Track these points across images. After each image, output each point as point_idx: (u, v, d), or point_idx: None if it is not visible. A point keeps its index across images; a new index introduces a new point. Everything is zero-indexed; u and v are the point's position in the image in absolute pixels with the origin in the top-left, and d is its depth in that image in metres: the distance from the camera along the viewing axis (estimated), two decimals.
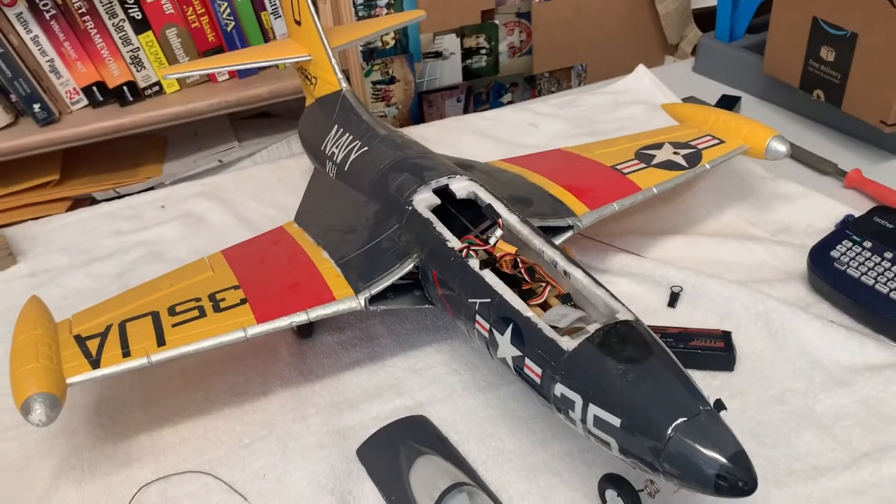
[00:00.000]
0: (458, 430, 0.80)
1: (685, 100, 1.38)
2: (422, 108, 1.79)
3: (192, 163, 1.62)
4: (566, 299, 0.74)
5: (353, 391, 0.86)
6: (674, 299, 0.93)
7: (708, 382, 0.82)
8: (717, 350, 0.84)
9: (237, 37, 1.54)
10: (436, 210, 0.84)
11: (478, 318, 0.73)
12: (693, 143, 1.03)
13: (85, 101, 1.52)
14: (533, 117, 1.40)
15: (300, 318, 0.79)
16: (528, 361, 0.67)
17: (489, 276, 0.73)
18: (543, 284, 0.74)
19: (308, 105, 1.19)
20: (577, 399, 0.62)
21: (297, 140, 1.62)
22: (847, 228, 0.95)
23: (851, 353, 0.83)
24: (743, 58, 1.41)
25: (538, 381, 0.67)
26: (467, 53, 1.75)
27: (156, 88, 1.55)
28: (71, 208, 1.49)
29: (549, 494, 0.73)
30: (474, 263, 0.75)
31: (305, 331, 0.93)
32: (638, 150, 1.02)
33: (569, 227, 0.89)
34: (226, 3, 1.50)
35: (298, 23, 1.17)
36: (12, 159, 1.46)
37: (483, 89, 1.82)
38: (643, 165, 0.99)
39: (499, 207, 0.83)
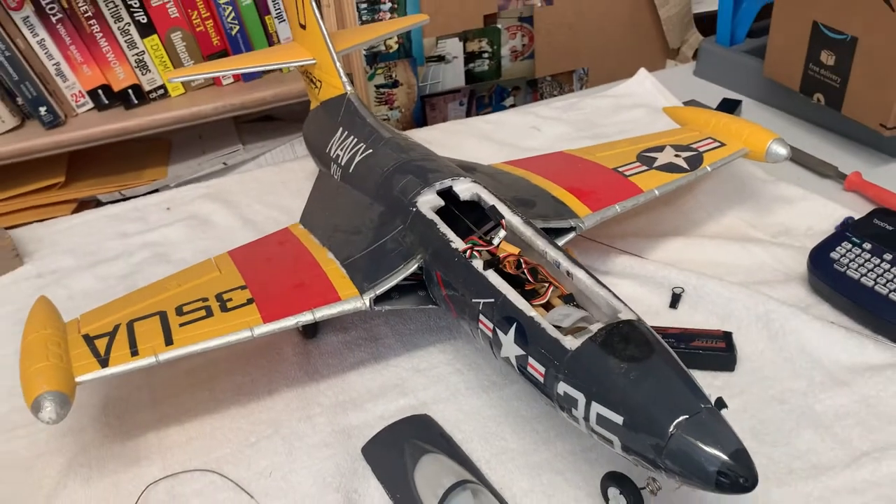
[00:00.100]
0: (462, 429, 0.81)
1: (686, 103, 1.39)
2: (424, 111, 1.80)
3: (196, 165, 1.63)
4: (569, 299, 0.75)
5: (357, 391, 0.87)
6: (675, 300, 0.94)
7: (709, 382, 0.82)
8: (718, 350, 0.85)
9: (241, 40, 1.55)
10: (439, 212, 0.85)
11: (481, 317, 0.74)
12: (694, 145, 1.04)
13: (90, 105, 1.53)
14: (535, 120, 1.41)
15: (306, 317, 0.80)
16: (531, 360, 0.68)
17: (493, 276, 0.74)
18: (546, 285, 0.75)
19: (313, 108, 1.20)
20: (581, 397, 0.63)
21: (300, 143, 1.63)
22: (847, 230, 0.95)
23: (851, 354, 0.84)
24: (743, 62, 1.42)
25: (541, 379, 0.67)
26: (470, 57, 1.76)
27: (160, 92, 1.56)
28: (76, 210, 1.50)
29: (552, 493, 0.73)
30: (478, 264, 0.76)
31: (310, 331, 0.93)
32: (639, 153, 1.03)
33: (571, 229, 0.90)
34: (230, 8, 1.51)
35: (303, 26, 1.18)
36: (18, 162, 1.47)
37: (485, 93, 1.83)
38: (645, 168, 1.00)
39: (502, 209, 0.84)
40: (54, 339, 0.76)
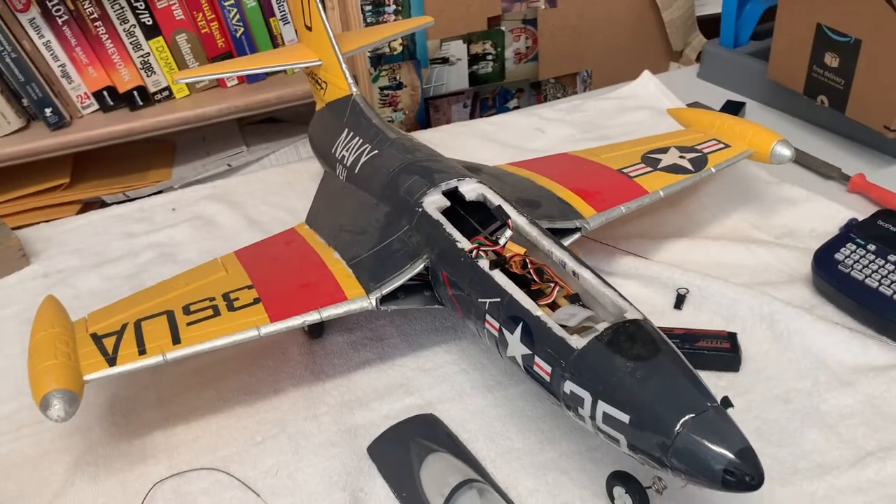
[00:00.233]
0: (468, 428, 0.81)
1: (690, 105, 1.39)
2: (428, 113, 1.80)
3: (201, 167, 1.63)
4: (575, 299, 0.75)
5: (363, 390, 0.87)
6: (680, 301, 0.94)
7: (714, 383, 0.83)
8: (722, 351, 0.85)
9: (246, 42, 1.55)
10: (445, 212, 0.86)
11: (488, 317, 0.74)
12: (699, 147, 1.04)
13: (96, 106, 1.53)
14: (539, 122, 1.42)
15: (313, 317, 0.80)
16: (537, 360, 0.68)
17: (499, 276, 0.74)
18: (552, 285, 0.75)
19: (318, 109, 1.21)
20: (587, 396, 0.64)
21: (304, 145, 1.64)
22: (851, 232, 0.96)
23: (855, 354, 0.84)
24: (747, 64, 1.43)
25: (548, 378, 0.68)
26: (474, 59, 1.77)
27: (165, 93, 1.57)
28: (81, 211, 1.51)
29: (557, 492, 0.74)
30: (484, 264, 0.76)
31: (316, 331, 0.94)
32: (644, 154, 1.04)
33: (576, 230, 0.91)
34: (235, 9, 1.52)
35: (309, 28, 1.18)
36: (23, 163, 1.47)
37: (489, 95, 1.83)
38: (649, 169, 1.00)
39: (508, 209, 0.84)
40: (62, 337, 0.77)
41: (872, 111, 1.14)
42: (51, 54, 1.46)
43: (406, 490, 0.74)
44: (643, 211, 1.00)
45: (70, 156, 1.54)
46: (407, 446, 0.77)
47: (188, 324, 0.79)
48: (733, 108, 1.36)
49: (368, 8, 1.62)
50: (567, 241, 0.89)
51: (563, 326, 0.68)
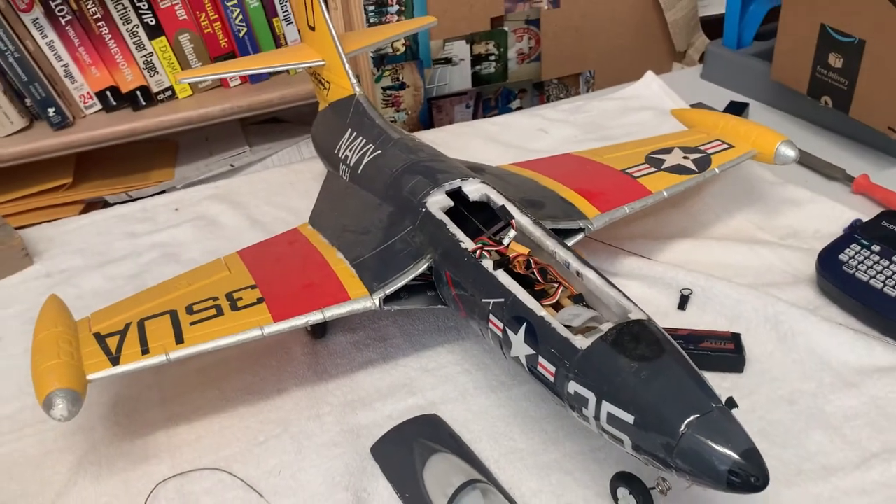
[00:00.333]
0: (471, 429, 0.81)
1: (693, 106, 1.39)
2: (431, 113, 1.80)
3: (203, 167, 1.63)
4: (578, 300, 0.75)
5: (366, 390, 0.87)
6: (684, 302, 0.94)
7: (718, 384, 0.81)
8: (726, 352, 0.85)
9: (249, 43, 1.55)
10: (449, 212, 0.86)
11: (491, 317, 0.74)
12: (702, 147, 1.04)
13: (98, 106, 1.53)
14: (542, 122, 1.42)
15: (316, 317, 0.80)
16: (541, 360, 0.68)
17: (503, 276, 0.74)
18: (556, 285, 0.75)
19: (321, 109, 1.21)
20: (591, 397, 0.63)
21: (307, 145, 1.64)
22: (855, 233, 0.96)
23: (860, 355, 0.84)
24: (751, 64, 1.42)
25: (552, 379, 0.68)
26: (476, 60, 1.77)
27: (168, 93, 1.57)
28: (83, 211, 1.51)
29: (561, 492, 0.73)
30: (488, 264, 0.76)
31: (319, 331, 0.94)
32: (648, 155, 1.04)
33: (580, 230, 0.90)
34: (238, 10, 1.52)
35: (312, 28, 1.18)
36: (26, 163, 1.47)
37: (492, 95, 1.83)
38: (653, 169, 1.00)
39: (511, 209, 0.84)
40: (65, 337, 0.77)
41: (876, 112, 1.14)
42: (54, 54, 1.46)
43: (409, 490, 0.73)
44: (647, 211, 1.00)
45: (73, 156, 1.54)
46: (410, 447, 0.77)
47: (191, 323, 0.79)
48: (737, 109, 1.36)
49: (371, 8, 1.62)
50: (570, 242, 0.89)
51: (568, 327, 0.68)
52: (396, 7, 1.63)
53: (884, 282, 0.88)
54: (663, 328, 0.67)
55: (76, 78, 1.49)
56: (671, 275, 0.96)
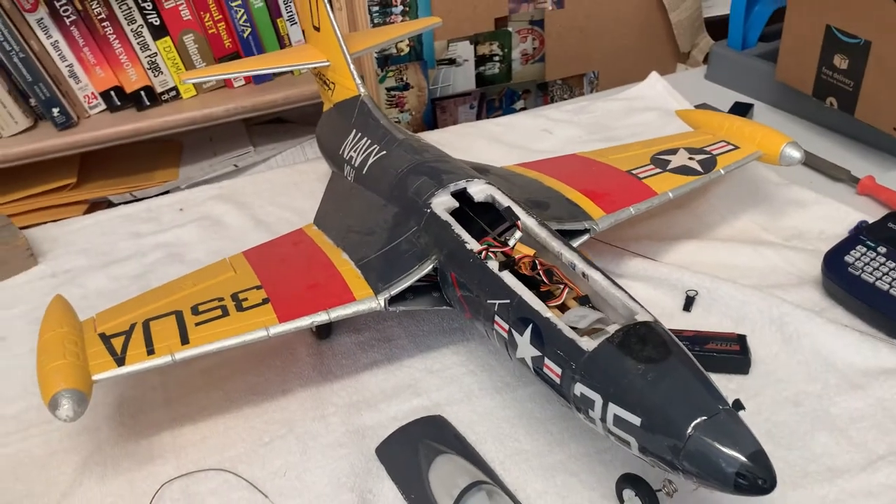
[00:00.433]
0: (476, 430, 0.81)
1: (698, 107, 1.38)
2: (435, 114, 1.80)
3: (207, 167, 1.64)
4: (584, 301, 0.75)
5: (371, 391, 0.87)
6: (689, 303, 0.93)
7: (723, 385, 0.81)
8: (732, 353, 0.84)
9: (253, 43, 1.56)
10: (454, 213, 0.85)
11: (497, 318, 0.74)
12: (708, 148, 1.04)
13: (103, 106, 1.54)
14: (546, 123, 1.41)
15: (321, 317, 0.80)
16: (547, 361, 0.68)
17: (508, 277, 0.74)
18: (561, 286, 0.75)
19: (326, 110, 1.21)
20: (597, 399, 0.63)
21: (311, 146, 1.64)
22: (861, 234, 0.95)
23: (865, 357, 0.84)
24: (755, 65, 1.42)
25: (558, 381, 0.67)
26: (480, 60, 1.77)
27: (172, 93, 1.57)
28: (88, 211, 1.51)
29: (566, 494, 0.73)
30: (493, 265, 0.76)
31: (324, 332, 0.94)
32: (653, 156, 1.03)
33: (585, 231, 0.90)
34: (242, 10, 1.52)
35: (317, 28, 1.18)
36: (31, 162, 1.48)
37: (496, 96, 1.83)
38: (659, 170, 1.00)
39: (517, 210, 0.84)
40: (71, 337, 0.77)
41: (882, 113, 1.14)
42: (58, 54, 1.46)
43: (415, 492, 0.73)
44: (651, 212, 1.00)
45: (77, 156, 1.54)
46: (415, 448, 0.77)
47: (197, 324, 0.79)
48: (741, 110, 1.36)
49: (376, 9, 1.61)
50: (575, 243, 0.88)
51: (574, 328, 0.68)
52: (401, 7, 1.63)
53: (890, 283, 0.88)
54: (669, 329, 0.67)
55: (80, 78, 1.49)
56: (676, 276, 0.96)
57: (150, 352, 0.76)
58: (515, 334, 0.72)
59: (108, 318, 0.82)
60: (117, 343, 0.77)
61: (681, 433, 0.58)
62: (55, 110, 1.48)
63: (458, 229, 0.82)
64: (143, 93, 1.54)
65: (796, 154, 1.00)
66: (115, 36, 1.48)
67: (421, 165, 0.93)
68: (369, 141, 1.03)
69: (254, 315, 0.80)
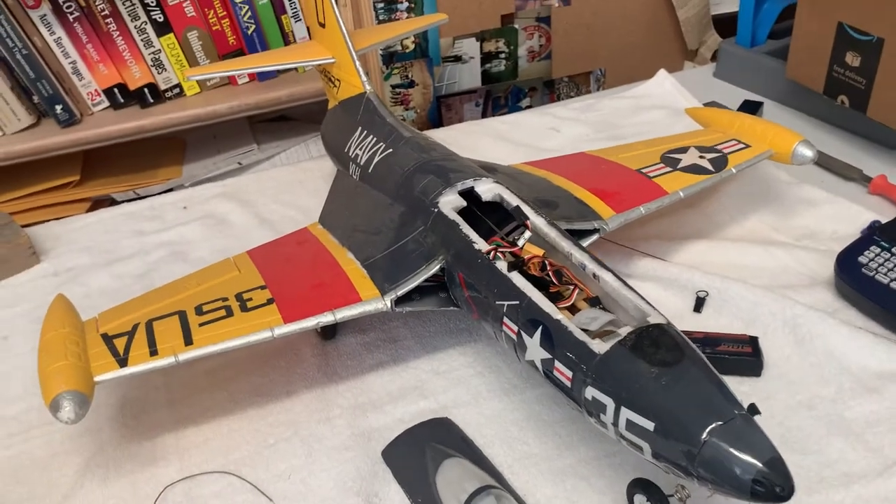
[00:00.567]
0: (483, 433, 0.80)
1: (706, 105, 1.37)
2: (440, 112, 1.79)
3: (211, 165, 1.62)
4: (595, 302, 0.73)
5: (376, 393, 0.86)
6: (699, 304, 0.92)
7: (735, 388, 0.78)
8: (744, 355, 0.83)
9: (258, 40, 1.54)
10: (461, 212, 0.84)
11: (505, 320, 0.73)
12: (719, 147, 1.02)
13: (106, 103, 1.53)
14: (553, 121, 1.40)
15: (327, 318, 0.78)
16: (557, 364, 0.67)
17: (517, 278, 0.73)
18: (571, 287, 0.74)
19: (331, 107, 1.20)
20: (609, 402, 0.62)
21: (315, 143, 1.63)
22: (875, 234, 0.94)
23: (880, 360, 0.82)
24: (765, 63, 1.41)
25: (568, 384, 0.66)
26: (486, 58, 1.75)
27: (176, 91, 1.56)
28: (90, 209, 1.50)
29: (576, 498, 0.72)
30: (502, 265, 0.75)
31: (329, 332, 0.92)
32: (663, 154, 1.02)
33: (594, 231, 0.89)
34: (247, 7, 1.51)
35: (322, 25, 1.17)
36: (34, 160, 1.47)
37: (502, 94, 1.82)
38: (669, 169, 0.98)
39: (526, 210, 0.82)
40: (72, 337, 0.76)
41: (895, 111, 1.12)
42: (62, 51, 1.45)
43: (422, 496, 0.72)
44: (661, 212, 0.98)
45: (80, 153, 1.53)
46: (422, 451, 0.76)
47: (201, 324, 0.78)
48: (751, 108, 1.34)
49: (381, 5, 1.60)
50: (585, 243, 0.87)
51: (585, 330, 0.66)
52: (406, 4, 1.62)
53: None
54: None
55: (84, 75, 1.48)
56: (686, 276, 0.95)
57: (154, 353, 0.75)
58: (525, 336, 0.70)
59: (111, 318, 0.81)
60: (120, 344, 0.76)
61: (695, 439, 0.56)
62: (58, 107, 1.47)
63: (466, 229, 0.81)
64: (146, 90, 1.52)
65: (809, 153, 0.99)
66: (118, 33, 1.47)
67: (428, 164, 0.92)
68: (375, 139, 1.02)
69: (258, 315, 0.79)
